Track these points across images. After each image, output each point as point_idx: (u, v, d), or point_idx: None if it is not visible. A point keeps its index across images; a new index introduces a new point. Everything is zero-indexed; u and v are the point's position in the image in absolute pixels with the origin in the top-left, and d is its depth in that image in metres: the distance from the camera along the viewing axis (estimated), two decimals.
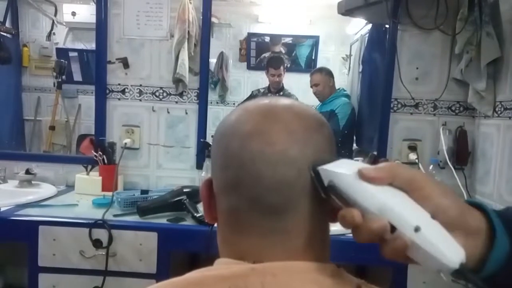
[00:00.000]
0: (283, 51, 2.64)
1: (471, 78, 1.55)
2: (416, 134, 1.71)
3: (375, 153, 1.73)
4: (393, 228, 0.36)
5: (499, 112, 1.48)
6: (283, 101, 0.48)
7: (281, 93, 2.42)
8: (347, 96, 2.23)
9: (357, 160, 1.75)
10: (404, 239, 0.35)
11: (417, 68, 1.67)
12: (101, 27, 1.70)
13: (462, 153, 1.65)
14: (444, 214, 0.37)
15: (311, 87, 2.28)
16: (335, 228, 1.34)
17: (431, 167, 1.62)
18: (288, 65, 2.56)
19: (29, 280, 1.24)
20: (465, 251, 0.35)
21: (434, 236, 0.35)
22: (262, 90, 2.48)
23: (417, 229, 0.34)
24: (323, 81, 2.25)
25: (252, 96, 2.47)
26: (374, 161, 1.72)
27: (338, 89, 2.25)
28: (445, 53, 1.65)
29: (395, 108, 1.70)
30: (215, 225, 0.51)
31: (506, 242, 0.39)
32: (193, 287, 0.42)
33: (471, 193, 1.61)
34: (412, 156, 1.66)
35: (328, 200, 0.43)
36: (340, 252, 1.22)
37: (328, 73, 2.27)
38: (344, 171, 0.39)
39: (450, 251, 0.34)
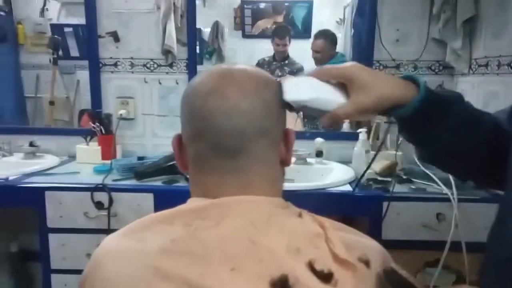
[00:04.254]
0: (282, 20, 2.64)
1: (448, 37, 1.61)
2: None
3: None
4: None
5: (474, 69, 1.55)
6: (239, 66, 0.58)
7: (286, 61, 2.45)
8: (344, 62, 2.22)
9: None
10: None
11: (397, 30, 1.72)
12: (90, 1, 1.75)
13: None
14: (388, 100, 0.57)
15: (312, 50, 2.23)
16: (318, 183, 1.46)
17: None
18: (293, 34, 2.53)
19: (40, 240, 1.38)
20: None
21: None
22: (267, 59, 2.49)
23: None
24: (326, 49, 2.21)
25: (258, 65, 2.47)
26: (358, 121, 1.80)
27: (337, 53, 2.23)
28: (424, 14, 1.69)
29: (377, 70, 1.77)
30: None
31: (424, 92, 0.57)
32: (165, 219, 0.53)
33: None
34: None
35: (279, 145, 0.57)
36: (323, 203, 1.35)
37: (333, 42, 2.23)
38: (309, 96, 0.58)
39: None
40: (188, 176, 1.42)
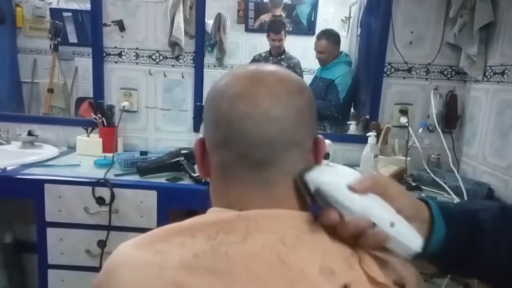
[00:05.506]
0: (283, 15, 2.61)
1: (463, 43, 1.57)
2: (408, 98, 1.75)
3: (367, 117, 1.78)
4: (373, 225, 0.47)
5: (488, 76, 1.52)
6: (269, 67, 0.53)
7: (283, 56, 2.41)
8: (349, 63, 2.19)
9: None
10: (384, 232, 0.46)
11: (411, 32, 1.68)
12: None
13: (451, 117, 1.69)
14: (405, 210, 0.49)
15: (315, 51, 2.21)
16: None
17: (420, 130, 1.67)
18: (290, 29, 2.53)
19: (38, 234, 1.33)
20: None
21: (403, 228, 0.47)
22: (263, 55, 2.46)
23: (392, 225, 0.47)
24: (329, 50, 2.18)
25: (254, 61, 2.46)
26: (366, 124, 1.77)
27: (341, 53, 2.21)
28: (439, 17, 1.65)
29: (388, 73, 1.73)
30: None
31: (442, 227, 0.51)
32: (185, 231, 0.49)
33: (457, 155, 1.67)
34: (403, 120, 1.71)
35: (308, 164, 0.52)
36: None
37: (336, 42, 2.20)
38: (330, 179, 0.49)
39: (414, 239, 0.47)
40: (193, 175, 1.38)
